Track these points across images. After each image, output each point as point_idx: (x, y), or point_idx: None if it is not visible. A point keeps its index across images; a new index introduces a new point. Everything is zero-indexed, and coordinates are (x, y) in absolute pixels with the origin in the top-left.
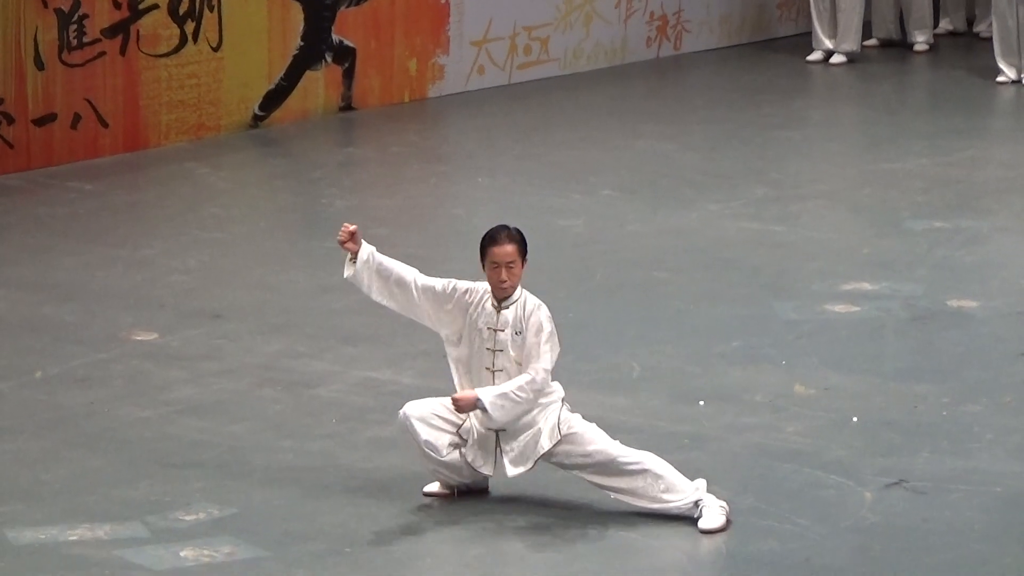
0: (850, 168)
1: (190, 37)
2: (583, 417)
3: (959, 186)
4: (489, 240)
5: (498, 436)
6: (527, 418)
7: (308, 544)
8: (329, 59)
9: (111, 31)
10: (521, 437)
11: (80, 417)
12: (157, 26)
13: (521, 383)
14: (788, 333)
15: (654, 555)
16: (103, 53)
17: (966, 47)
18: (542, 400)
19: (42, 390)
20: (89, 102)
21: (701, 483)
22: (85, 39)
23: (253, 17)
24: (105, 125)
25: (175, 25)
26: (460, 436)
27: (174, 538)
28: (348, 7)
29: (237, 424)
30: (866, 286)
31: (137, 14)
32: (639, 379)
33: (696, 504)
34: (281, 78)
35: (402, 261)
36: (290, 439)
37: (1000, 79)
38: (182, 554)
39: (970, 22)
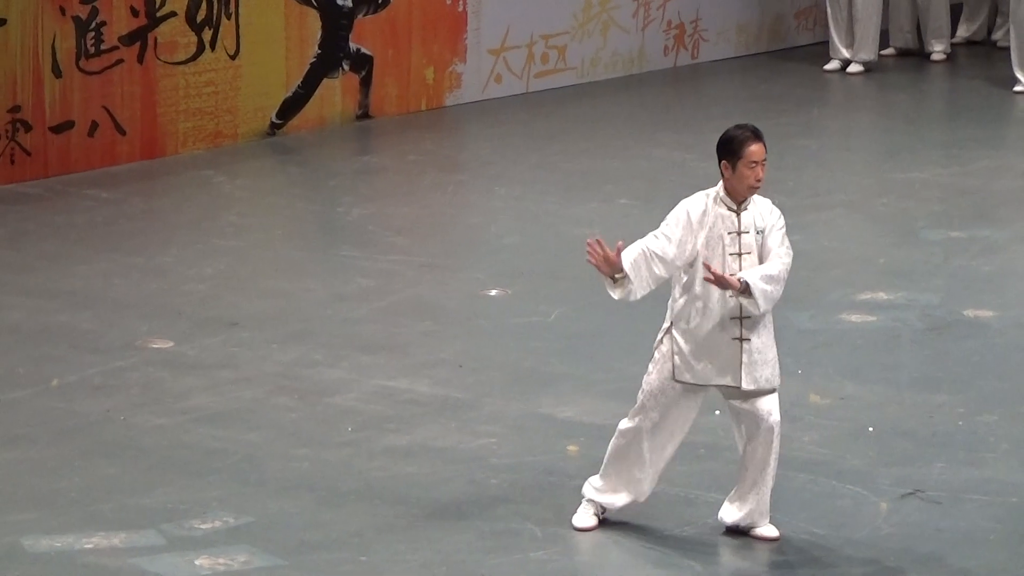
0: (867, 177)
1: (207, 45)
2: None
3: (976, 196)
4: (743, 139)
5: (742, 345)
6: (768, 341)
7: (324, 553)
8: (346, 67)
9: (129, 38)
10: (758, 357)
11: (96, 425)
12: (175, 34)
13: (780, 264)
14: (804, 342)
15: (668, 566)
16: (121, 61)
17: (983, 56)
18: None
19: (58, 398)
20: (106, 110)
21: None
22: (103, 46)
23: (270, 25)
24: (122, 133)
25: (192, 33)
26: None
27: (190, 546)
28: (365, 15)
29: (253, 432)
30: (882, 296)
31: (155, 22)
32: None
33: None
34: (298, 86)
35: (419, 270)
36: (306, 448)
37: (1017, 88)
38: (197, 562)
39: (988, 31)
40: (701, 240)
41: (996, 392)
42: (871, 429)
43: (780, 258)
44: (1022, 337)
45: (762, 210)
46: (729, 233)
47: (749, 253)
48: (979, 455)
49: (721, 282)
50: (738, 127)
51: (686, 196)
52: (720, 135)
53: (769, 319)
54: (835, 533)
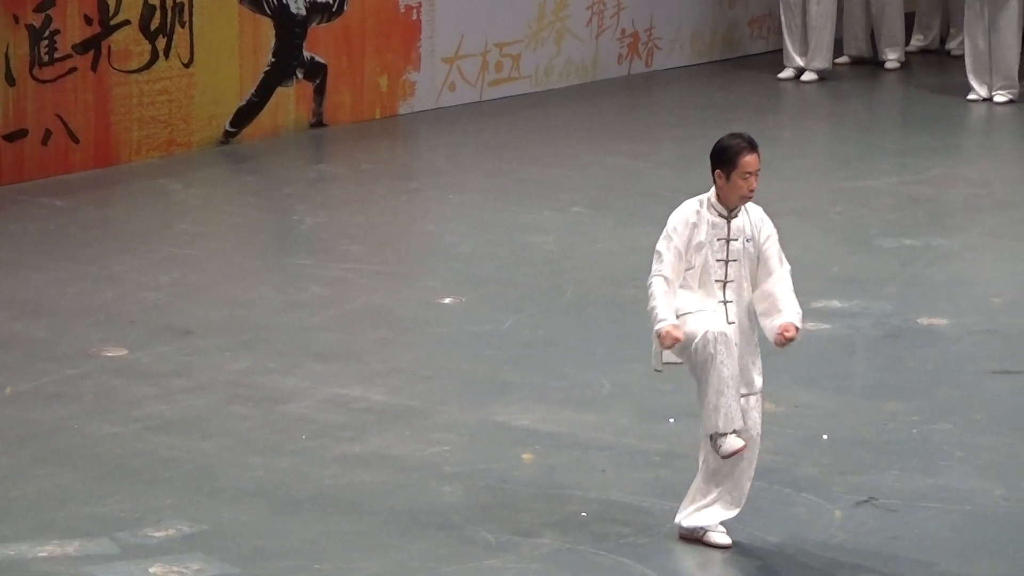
0: (821, 186)
1: (161, 53)
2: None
3: (929, 204)
4: (738, 150)
5: None
6: (749, 349)
7: (278, 561)
8: (300, 75)
9: (82, 47)
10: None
11: (50, 433)
12: (128, 42)
13: (790, 289)
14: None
15: (622, 573)
16: (74, 69)
17: (937, 65)
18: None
19: (12, 406)
20: (60, 118)
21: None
22: (56, 55)
23: (224, 33)
24: (76, 141)
25: (146, 41)
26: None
27: (144, 554)
28: (319, 23)
29: (207, 440)
30: (836, 304)
31: (109, 30)
32: (609, 396)
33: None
34: (252, 94)
35: (373, 278)
36: (260, 456)
37: (971, 97)
38: (151, 570)
39: (942, 40)
40: (694, 242)
41: (950, 400)
42: (825, 437)
43: (786, 278)
44: (976, 345)
45: (753, 218)
46: (718, 239)
47: (736, 260)
48: (934, 463)
49: (790, 338)
50: (733, 136)
51: (640, 204)
52: (714, 143)
53: (755, 331)
54: (789, 541)
